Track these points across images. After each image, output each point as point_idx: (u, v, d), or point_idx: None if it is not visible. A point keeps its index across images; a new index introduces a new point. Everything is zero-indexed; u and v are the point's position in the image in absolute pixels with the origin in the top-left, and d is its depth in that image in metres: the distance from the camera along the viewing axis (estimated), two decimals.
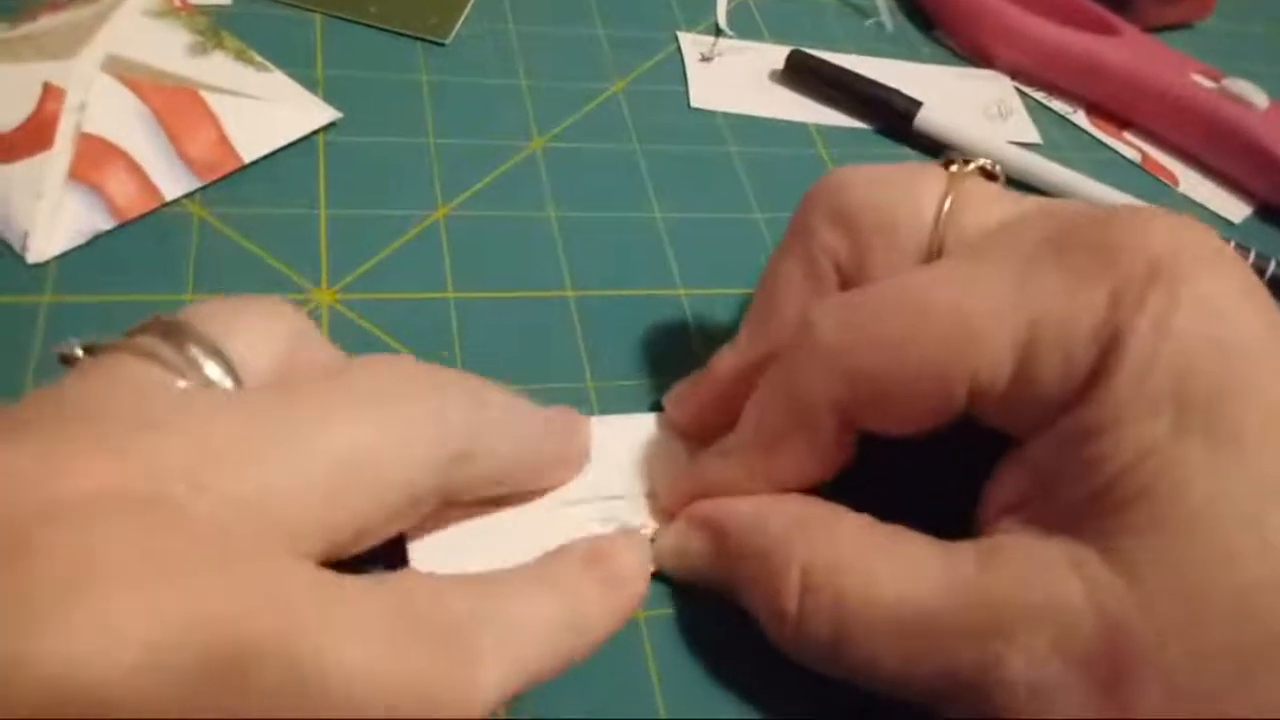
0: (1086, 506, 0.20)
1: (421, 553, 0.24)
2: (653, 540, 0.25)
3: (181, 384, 0.19)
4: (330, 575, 0.17)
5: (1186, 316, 0.20)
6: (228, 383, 0.19)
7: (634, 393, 0.30)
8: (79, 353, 0.20)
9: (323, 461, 0.18)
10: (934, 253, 0.24)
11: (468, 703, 0.18)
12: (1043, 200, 0.24)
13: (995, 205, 0.24)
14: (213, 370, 0.19)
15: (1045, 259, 0.21)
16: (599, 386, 0.30)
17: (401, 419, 0.20)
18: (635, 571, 0.22)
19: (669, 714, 0.24)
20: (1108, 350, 0.20)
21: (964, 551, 0.21)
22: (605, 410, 0.29)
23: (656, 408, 0.29)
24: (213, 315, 0.21)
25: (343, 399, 0.19)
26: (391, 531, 0.21)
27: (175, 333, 0.20)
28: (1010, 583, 0.20)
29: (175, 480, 0.16)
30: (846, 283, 0.25)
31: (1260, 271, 0.39)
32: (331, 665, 0.16)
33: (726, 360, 0.27)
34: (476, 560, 0.22)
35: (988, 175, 0.26)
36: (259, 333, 0.21)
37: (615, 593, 0.22)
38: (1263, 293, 0.21)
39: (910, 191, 0.25)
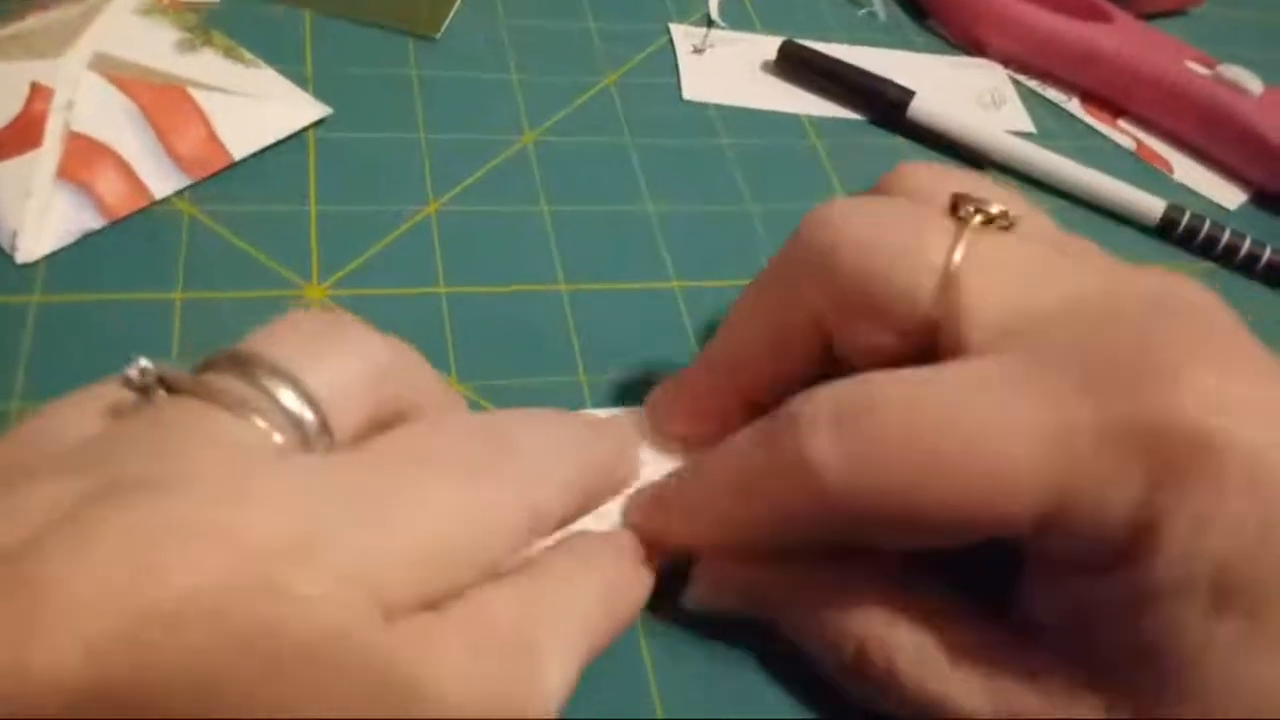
0: (1123, 656, 0.20)
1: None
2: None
3: (277, 439, 0.18)
4: (410, 625, 0.17)
5: (1231, 505, 0.18)
6: (309, 414, 0.18)
7: (626, 386, 0.30)
8: (156, 388, 0.18)
9: (421, 539, 0.17)
10: (929, 329, 0.22)
11: (543, 703, 0.18)
12: (1063, 270, 0.22)
13: (1005, 280, 0.21)
14: (290, 401, 0.18)
15: (1077, 404, 0.19)
16: (591, 380, 0.30)
17: (490, 502, 0.19)
18: (643, 556, 0.24)
19: (666, 713, 0.24)
20: (1142, 536, 0.19)
21: (1005, 659, 0.21)
22: (598, 404, 0.29)
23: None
24: (284, 341, 0.19)
25: (434, 474, 0.18)
26: None
27: (247, 365, 0.18)
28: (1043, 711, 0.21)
29: (282, 559, 0.15)
30: (824, 339, 0.24)
31: (1255, 258, 0.39)
32: (429, 701, 0.16)
33: (699, 380, 0.27)
34: None
35: (994, 219, 0.23)
36: (341, 367, 0.19)
37: (643, 571, 0.23)
38: None
39: (907, 260, 0.22)
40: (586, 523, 0.25)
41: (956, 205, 0.23)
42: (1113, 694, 0.20)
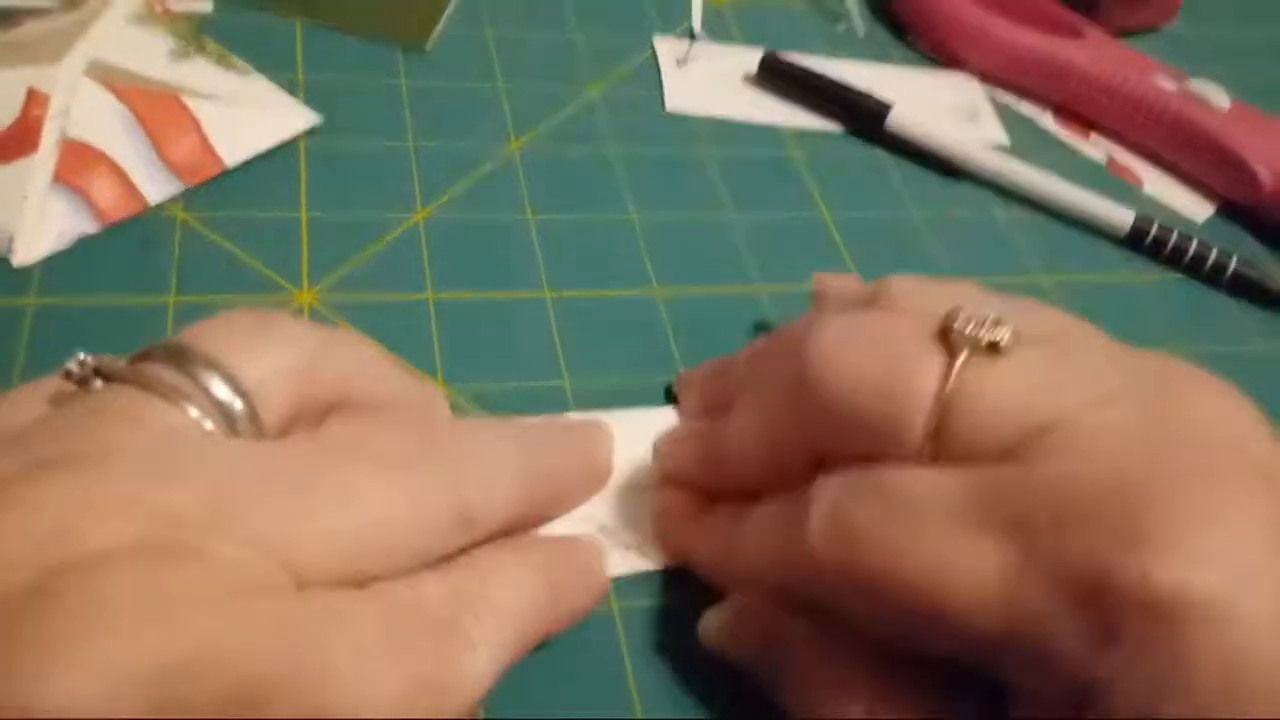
0: None
1: None
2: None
3: (207, 425, 0.19)
4: (324, 595, 0.18)
5: (1188, 671, 0.17)
6: (238, 404, 0.19)
7: (609, 392, 0.31)
8: (94, 379, 0.19)
9: (339, 523, 0.18)
10: (924, 457, 0.22)
11: (468, 686, 0.19)
12: (1061, 384, 0.21)
13: (998, 407, 0.21)
14: (221, 391, 0.19)
15: (1041, 541, 0.19)
16: (575, 386, 0.30)
17: (415, 495, 0.20)
18: (599, 567, 0.24)
19: (645, 712, 0.24)
20: (1093, 690, 0.18)
21: None
22: (581, 409, 0.30)
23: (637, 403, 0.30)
24: (216, 335, 0.20)
25: (366, 467, 0.19)
26: None
27: (180, 357, 0.19)
28: None
29: (195, 528, 0.16)
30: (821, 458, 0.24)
31: (1222, 268, 0.40)
32: (338, 685, 0.16)
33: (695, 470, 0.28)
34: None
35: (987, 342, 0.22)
36: (270, 360, 0.20)
37: (590, 575, 0.24)
38: None
39: (897, 397, 0.22)
40: (561, 526, 0.26)
41: (947, 330, 0.22)
42: None
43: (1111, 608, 0.18)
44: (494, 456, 0.22)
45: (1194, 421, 0.20)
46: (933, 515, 0.20)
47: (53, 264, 0.30)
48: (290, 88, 0.37)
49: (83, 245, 0.30)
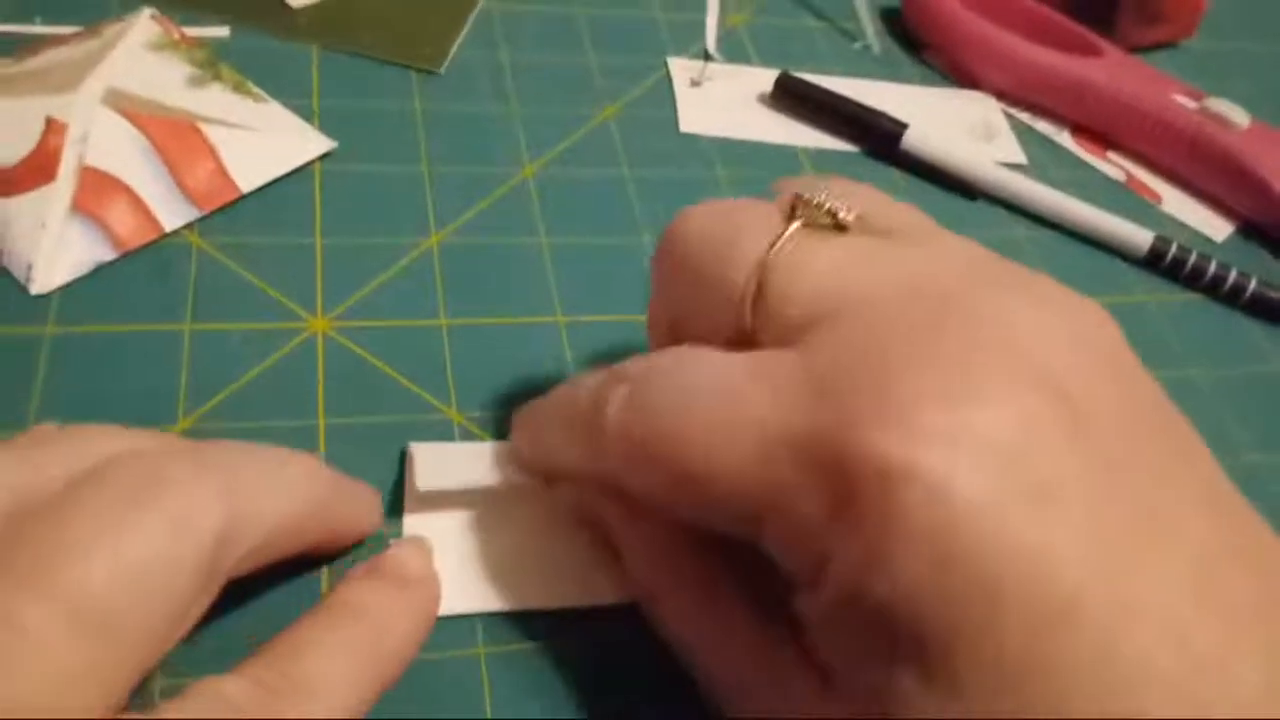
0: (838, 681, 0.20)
1: (421, 454, 0.27)
2: None
3: None
4: None
5: (904, 548, 0.17)
6: None
7: None
8: None
9: (77, 605, 0.17)
10: (746, 330, 0.22)
11: None
12: (878, 264, 0.21)
13: (813, 277, 0.21)
14: None
15: (802, 413, 0.19)
16: None
17: (146, 534, 0.19)
18: (423, 571, 0.24)
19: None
20: (820, 566, 0.19)
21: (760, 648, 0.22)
22: None
23: None
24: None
25: (88, 529, 0.18)
26: (194, 617, 0.20)
27: None
28: None
29: None
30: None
31: (1241, 289, 0.40)
32: None
33: None
34: (473, 472, 0.26)
35: (829, 218, 0.22)
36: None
37: (410, 593, 0.24)
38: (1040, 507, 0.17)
39: (729, 258, 0.22)
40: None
41: (795, 206, 0.23)
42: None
43: (843, 477, 0.18)
44: (224, 466, 0.22)
45: (993, 321, 0.19)
46: (713, 388, 0.20)
47: (70, 291, 0.30)
48: (306, 113, 0.37)
49: (100, 273, 0.31)
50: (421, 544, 0.25)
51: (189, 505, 0.19)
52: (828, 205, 0.22)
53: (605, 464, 0.23)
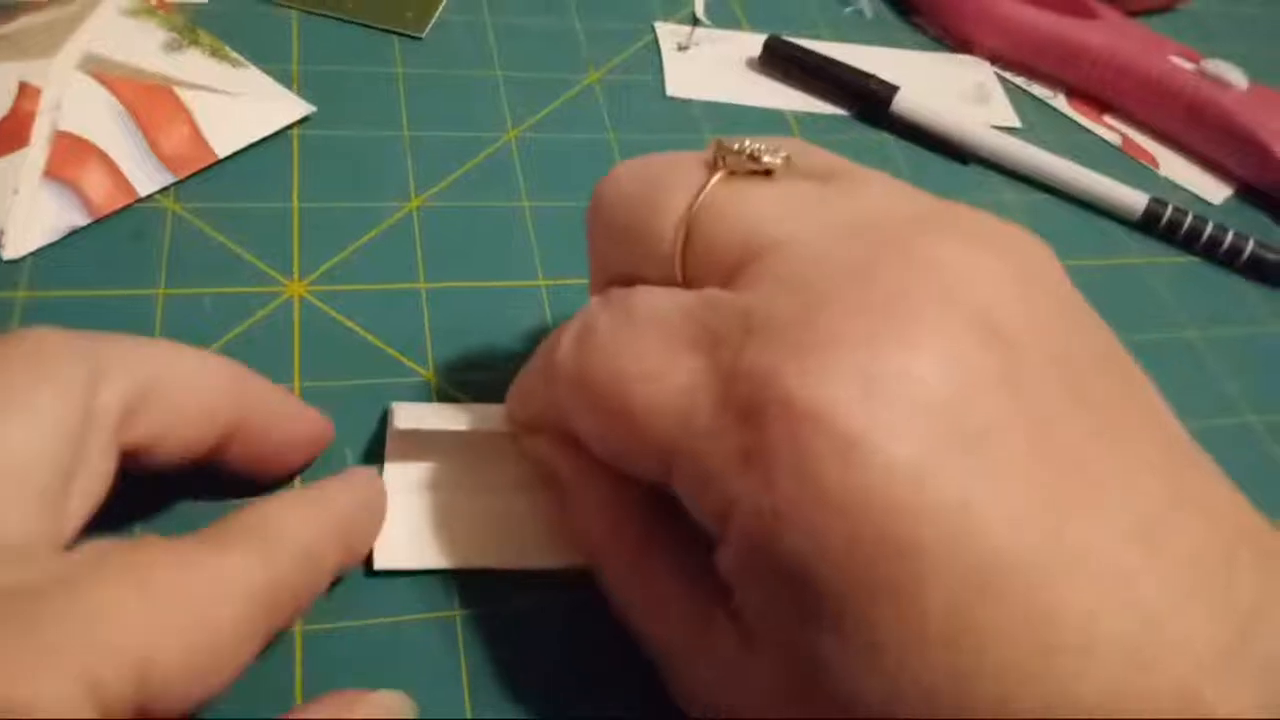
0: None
1: (403, 406, 0.26)
2: None
3: None
4: None
5: (811, 503, 0.16)
6: None
7: None
8: None
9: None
10: (679, 284, 0.22)
11: None
12: (807, 207, 0.21)
13: (737, 224, 0.21)
14: None
15: (726, 355, 0.18)
16: None
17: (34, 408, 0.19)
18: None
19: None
20: (722, 518, 0.18)
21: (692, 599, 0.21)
22: None
23: None
24: None
25: None
26: (99, 477, 0.20)
27: None
28: None
29: None
30: None
31: (1238, 251, 0.39)
32: None
33: None
34: (453, 421, 0.25)
35: (753, 165, 0.21)
36: None
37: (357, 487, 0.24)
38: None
39: (656, 212, 0.22)
40: None
41: (722, 155, 0.22)
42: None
43: (756, 419, 0.17)
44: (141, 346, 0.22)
45: (927, 261, 0.18)
46: (653, 327, 0.20)
47: (43, 257, 0.30)
48: (285, 79, 0.36)
49: (73, 238, 0.30)
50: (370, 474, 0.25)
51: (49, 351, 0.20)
52: (749, 150, 0.21)
53: (558, 406, 0.22)
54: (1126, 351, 0.20)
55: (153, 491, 0.25)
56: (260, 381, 0.24)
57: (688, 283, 0.21)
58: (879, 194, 0.21)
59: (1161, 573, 0.16)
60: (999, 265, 0.19)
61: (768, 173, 0.21)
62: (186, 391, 0.22)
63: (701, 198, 0.21)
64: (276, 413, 0.25)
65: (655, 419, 0.19)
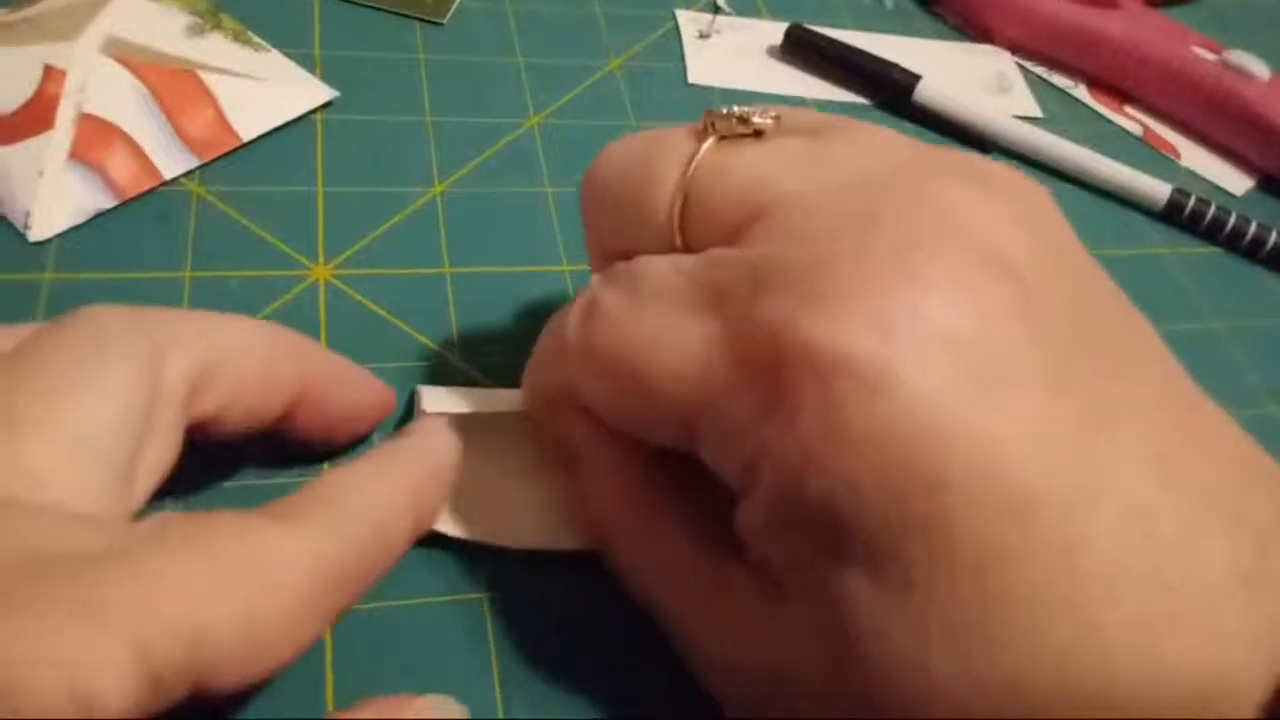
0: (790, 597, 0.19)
1: (429, 389, 0.26)
2: None
3: None
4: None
5: (842, 447, 0.16)
6: None
7: None
8: None
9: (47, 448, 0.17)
10: (679, 252, 0.22)
11: None
12: (804, 165, 0.20)
13: (733, 186, 0.21)
14: None
15: (735, 313, 0.18)
16: None
17: (105, 379, 0.19)
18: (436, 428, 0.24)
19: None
20: (749, 472, 0.18)
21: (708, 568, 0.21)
22: None
23: None
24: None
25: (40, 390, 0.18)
26: (167, 447, 0.20)
27: None
28: None
29: None
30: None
31: (1261, 242, 0.39)
32: None
33: None
34: (480, 404, 0.26)
35: (745, 129, 0.22)
36: None
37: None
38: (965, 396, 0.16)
39: (651, 183, 0.22)
40: None
41: (712, 123, 0.22)
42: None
43: (776, 370, 0.17)
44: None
45: (935, 204, 0.18)
46: (658, 294, 0.20)
47: (69, 239, 0.30)
48: (307, 63, 0.36)
49: (99, 220, 0.30)
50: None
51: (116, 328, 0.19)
52: (739, 114, 0.21)
53: (571, 383, 0.22)
54: (1130, 302, 0.20)
55: (222, 461, 0.25)
56: (321, 350, 0.24)
57: (688, 250, 0.21)
58: (875, 144, 0.21)
59: (1178, 502, 0.16)
60: (1005, 207, 0.19)
61: (758, 134, 0.21)
62: (250, 361, 0.22)
63: (696, 162, 0.21)
64: (340, 380, 0.25)
65: (672, 385, 0.19)
